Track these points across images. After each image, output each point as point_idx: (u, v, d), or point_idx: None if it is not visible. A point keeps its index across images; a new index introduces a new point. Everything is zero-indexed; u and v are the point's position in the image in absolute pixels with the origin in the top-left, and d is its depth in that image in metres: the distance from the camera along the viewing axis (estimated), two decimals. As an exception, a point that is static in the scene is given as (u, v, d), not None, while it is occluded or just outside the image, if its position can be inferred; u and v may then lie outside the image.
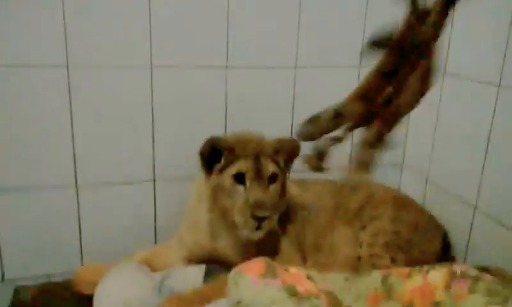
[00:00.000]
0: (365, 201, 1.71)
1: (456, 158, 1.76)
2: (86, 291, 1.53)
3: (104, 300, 1.41)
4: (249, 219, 1.40)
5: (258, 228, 1.41)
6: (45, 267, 1.73)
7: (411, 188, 1.96)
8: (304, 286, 1.20)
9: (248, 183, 1.45)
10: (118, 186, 1.75)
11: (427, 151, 1.90)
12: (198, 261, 1.59)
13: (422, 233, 1.65)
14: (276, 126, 1.77)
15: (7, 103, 1.55)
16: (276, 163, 1.52)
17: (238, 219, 1.43)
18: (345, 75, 1.87)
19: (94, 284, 1.50)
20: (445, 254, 1.69)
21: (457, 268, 1.17)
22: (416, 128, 1.98)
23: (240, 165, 1.46)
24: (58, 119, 1.61)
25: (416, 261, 1.56)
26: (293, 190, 1.73)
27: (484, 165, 1.62)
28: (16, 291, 1.59)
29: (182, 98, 1.74)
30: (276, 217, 1.48)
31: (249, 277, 1.17)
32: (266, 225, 1.42)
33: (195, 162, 1.52)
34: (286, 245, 1.60)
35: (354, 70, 1.87)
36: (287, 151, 1.55)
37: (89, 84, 1.62)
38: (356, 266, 1.56)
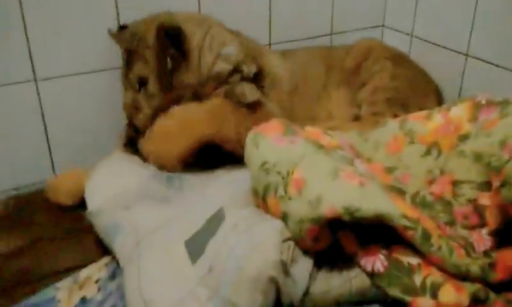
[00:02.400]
0: (363, 57, 1.62)
1: (444, 9, 1.69)
2: (65, 201, 1.39)
3: (99, 193, 1.27)
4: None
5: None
6: (12, 178, 1.53)
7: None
8: (325, 140, 1.12)
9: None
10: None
11: (411, 4, 1.81)
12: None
13: (419, 88, 1.60)
14: None
15: None
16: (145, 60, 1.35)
17: None
18: None
19: (73, 193, 1.37)
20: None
21: (481, 98, 1.12)
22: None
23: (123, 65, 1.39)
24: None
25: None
26: (277, 63, 1.60)
27: (475, 10, 1.56)
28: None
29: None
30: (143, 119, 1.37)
31: (271, 136, 1.07)
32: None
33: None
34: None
35: None
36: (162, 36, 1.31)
37: None
38: (360, 126, 1.49)
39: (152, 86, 1.35)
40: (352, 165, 1.03)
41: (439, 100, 1.65)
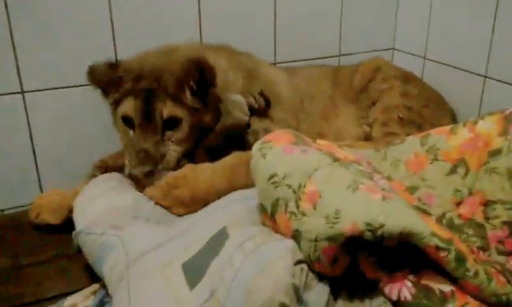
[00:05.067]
0: (371, 75, 1.54)
1: (457, 30, 1.61)
2: (51, 220, 1.28)
3: (89, 211, 1.14)
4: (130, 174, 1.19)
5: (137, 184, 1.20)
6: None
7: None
8: (341, 154, 1.01)
9: (136, 129, 1.20)
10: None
11: (423, 28, 1.74)
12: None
13: (433, 108, 1.51)
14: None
15: None
16: (179, 101, 1.21)
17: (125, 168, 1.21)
18: None
19: (60, 211, 1.26)
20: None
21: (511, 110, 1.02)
22: (408, 4, 1.80)
23: (127, 107, 1.19)
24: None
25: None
26: (279, 78, 1.52)
27: (493, 31, 1.48)
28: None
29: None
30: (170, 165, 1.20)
31: (280, 146, 0.95)
32: (154, 179, 1.17)
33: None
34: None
35: None
36: (197, 79, 1.21)
37: None
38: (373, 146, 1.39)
39: (185, 127, 1.21)
40: (372, 180, 0.91)
41: (454, 123, 1.55)
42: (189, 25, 1.52)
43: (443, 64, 1.68)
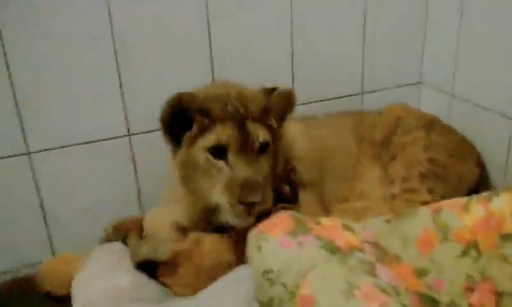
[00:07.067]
0: (391, 128, 1.47)
1: (486, 68, 1.51)
2: (58, 292, 1.26)
3: (87, 288, 1.14)
4: (236, 204, 1.06)
5: (248, 214, 1.07)
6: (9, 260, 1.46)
7: (433, 109, 1.70)
8: (343, 239, 0.97)
9: (231, 158, 1.10)
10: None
11: (450, 63, 1.64)
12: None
13: (458, 157, 1.43)
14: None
15: None
16: (267, 126, 1.17)
17: (222, 204, 1.10)
18: None
19: (65, 281, 1.24)
20: (481, 176, 1.48)
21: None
22: (435, 37, 1.71)
23: (220, 135, 1.10)
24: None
25: (454, 188, 1.37)
26: (299, 132, 1.44)
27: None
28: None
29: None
30: (270, 198, 1.12)
31: (276, 238, 0.93)
32: (258, 209, 1.08)
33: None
34: (305, 197, 1.34)
35: None
36: (279, 107, 1.19)
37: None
38: (392, 206, 1.34)
39: (270, 153, 1.17)
40: (373, 276, 0.88)
41: (481, 169, 1.47)
42: (203, 63, 1.49)
43: (471, 102, 1.58)
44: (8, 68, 1.29)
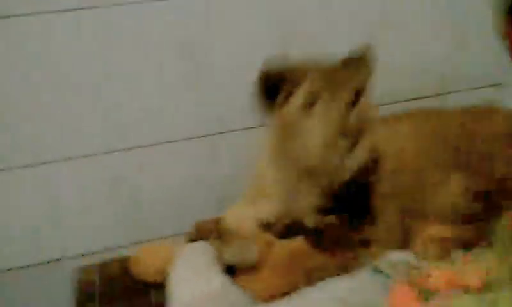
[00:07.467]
0: (479, 130, 1.33)
1: None
2: (148, 278, 1.27)
3: (185, 294, 1.12)
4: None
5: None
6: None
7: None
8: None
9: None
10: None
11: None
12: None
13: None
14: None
15: None
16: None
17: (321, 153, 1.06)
18: None
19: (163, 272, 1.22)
20: None
21: None
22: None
23: (311, 85, 1.08)
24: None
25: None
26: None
27: None
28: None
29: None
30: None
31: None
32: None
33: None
34: (385, 214, 1.23)
35: None
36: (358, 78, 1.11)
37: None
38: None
39: None
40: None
41: None
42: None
43: None
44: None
